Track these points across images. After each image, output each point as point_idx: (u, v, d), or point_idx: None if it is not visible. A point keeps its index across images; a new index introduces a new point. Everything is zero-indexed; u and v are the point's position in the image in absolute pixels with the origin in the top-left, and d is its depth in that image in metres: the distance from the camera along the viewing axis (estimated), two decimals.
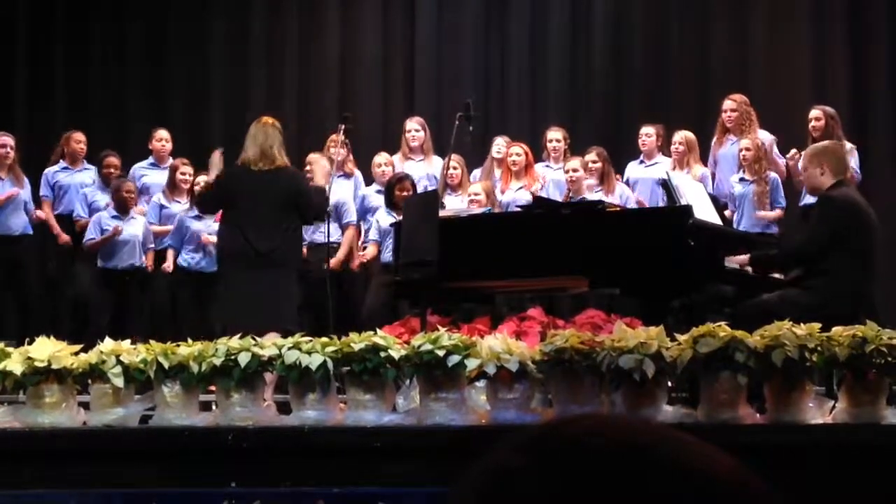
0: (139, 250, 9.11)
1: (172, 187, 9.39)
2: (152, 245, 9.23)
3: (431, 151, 9.54)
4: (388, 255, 8.79)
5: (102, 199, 9.38)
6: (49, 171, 9.73)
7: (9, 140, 9.40)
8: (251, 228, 6.70)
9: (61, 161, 9.74)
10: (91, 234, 9.11)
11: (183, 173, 9.31)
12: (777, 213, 8.80)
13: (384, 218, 8.89)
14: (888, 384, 4.96)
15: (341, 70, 11.45)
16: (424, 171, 9.43)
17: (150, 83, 11.41)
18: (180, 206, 9.26)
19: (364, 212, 9.30)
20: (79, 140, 9.77)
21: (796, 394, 4.90)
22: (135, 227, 9.14)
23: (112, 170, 9.53)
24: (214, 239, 8.65)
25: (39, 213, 9.52)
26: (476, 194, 8.64)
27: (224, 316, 6.82)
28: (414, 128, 9.51)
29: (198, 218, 8.95)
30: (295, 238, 6.90)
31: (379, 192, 9.24)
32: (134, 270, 9.10)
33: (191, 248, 9.03)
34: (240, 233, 6.73)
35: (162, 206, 9.41)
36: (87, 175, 9.69)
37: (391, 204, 8.89)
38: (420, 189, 8.94)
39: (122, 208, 9.14)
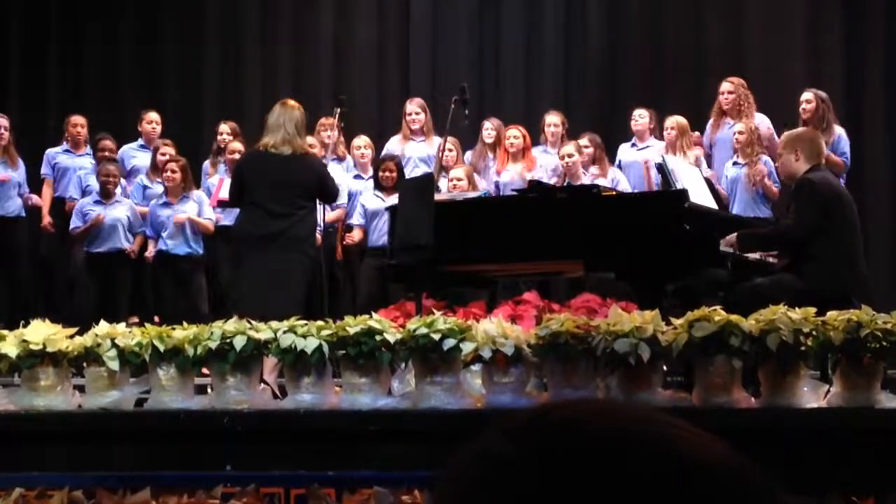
0: (124, 234, 9.07)
1: (155, 168, 9.37)
2: (141, 228, 9.19)
3: (432, 133, 9.55)
4: (375, 238, 8.82)
5: (96, 182, 9.36)
6: (50, 151, 9.71)
7: (3, 121, 9.35)
8: (263, 211, 6.72)
9: (64, 143, 9.73)
10: (75, 221, 9.10)
11: (163, 154, 9.29)
12: (775, 189, 8.73)
13: (371, 200, 8.93)
14: (883, 368, 4.97)
15: (336, 53, 11.43)
16: (425, 152, 9.45)
17: (144, 65, 11.39)
18: (161, 188, 9.21)
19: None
20: (75, 123, 9.74)
21: (791, 378, 4.90)
22: (119, 211, 9.11)
23: (107, 153, 9.50)
24: (185, 217, 8.69)
25: (35, 199, 9.48)
26: (458, 179, 8.62)
27: (235, 299, 6.82)
28: (414, 110, 9.53)
29: (167, 205, 8.96)
30: (307, 222, 6.91)
31: (357, 177, 9.31)
32: (119, 253, 9.08)
33: (166, 234, 8.97)
34: (253, 216, 6.76)
35: (145, 187, 9.39)
36: (87, 160, 9.68)
37: (378, 185, 8.93)
38: (422, 171, 8.96)
39: (105, 193, 9.11)
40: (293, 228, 6.72)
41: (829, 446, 4.77)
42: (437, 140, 9.54)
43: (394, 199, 8.83)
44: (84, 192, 9.38)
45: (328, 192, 7.10)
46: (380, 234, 8.82)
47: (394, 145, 9.53)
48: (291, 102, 7.08)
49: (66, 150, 9.67)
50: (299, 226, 6.76)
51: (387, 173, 8.92)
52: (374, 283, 8.80)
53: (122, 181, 9.46)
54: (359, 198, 9.08)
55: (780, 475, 0.84)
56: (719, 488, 0.79)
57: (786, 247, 6.16)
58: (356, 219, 9.02)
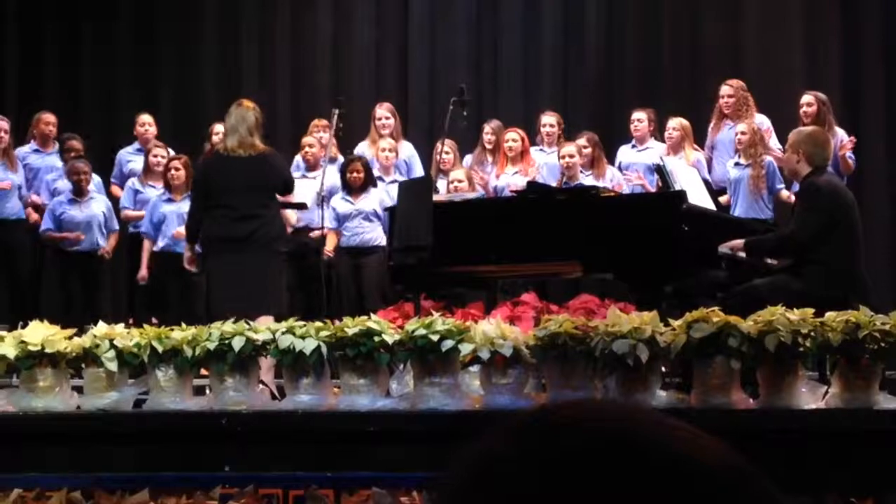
0: (99, 231, 9.04)
1: (148, 171, 9.31)
2: (116, 227, 9.15)
3: (401, 137, 9.52)
4: (350, 240, 8.79)
5: (66, 185, 9.20)
6: (19, 151, 9.55)
7: (3, 124, 9.30)
8: (230, 214, 6.71)
9: (32, 142, 9.63)
10: (46, 222, 9.04)
11: (155, 155, 9.23)
12: (789, 194, 8.65)
13: (340, 203, 8.88)
14: (881, 369, 4.97)
15: (334, 54, 11.43)
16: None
17: (141, 66, 11.38)
18: (155, 191, 9.13)
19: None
20: (47, 122, 9.66)
21: (789, 379, 4.90)
22: (94, 208, 9.08)
23: (73, 153, 9.40)
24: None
25: (35, 198, 9.43)
26: (459, 180, 8.61)
27: (210, 303, 6.81)
28: (384, 115, 9.46)
29: (170, 201, 8.90)
30: (276, 221, 6.98)
31: (378, 178, 9.23)
32: (94, 252, 9.04)
33: (169, 232, 8.88)
34: (219, 219, 6.75)
35: (137, 191, 9.32)
36: (55, 158, 9.54)
37: (346, 187, 8.91)
38: (391, 176, 8.98)
39: (78, 191, 9.07)
40: (264, 228, 6.76)
41: (828, 447, 4.77)
42: (405, 144, 9.53)
43: (362, 200, 8.85)
44: (53, 194, 9.31)
45: (284, 187, 7.15)
46: (353, 235, 8.85)
47: (363, 150, 9.46)
48: (247, 103, 7.05)
49: (36, 150, 9.57)
50: (269, 226, 6.81)
51: (354, 174, 8.89)
52: (352, 282, 8.83)
53: (97, 178, 9.39)
54: (330, 201, 8.96)
55: (779, 476, 0.85)
56: (719, 490, 0.79)
57: (790, 252, 6.13)
58: (329, 222, 8.90)
